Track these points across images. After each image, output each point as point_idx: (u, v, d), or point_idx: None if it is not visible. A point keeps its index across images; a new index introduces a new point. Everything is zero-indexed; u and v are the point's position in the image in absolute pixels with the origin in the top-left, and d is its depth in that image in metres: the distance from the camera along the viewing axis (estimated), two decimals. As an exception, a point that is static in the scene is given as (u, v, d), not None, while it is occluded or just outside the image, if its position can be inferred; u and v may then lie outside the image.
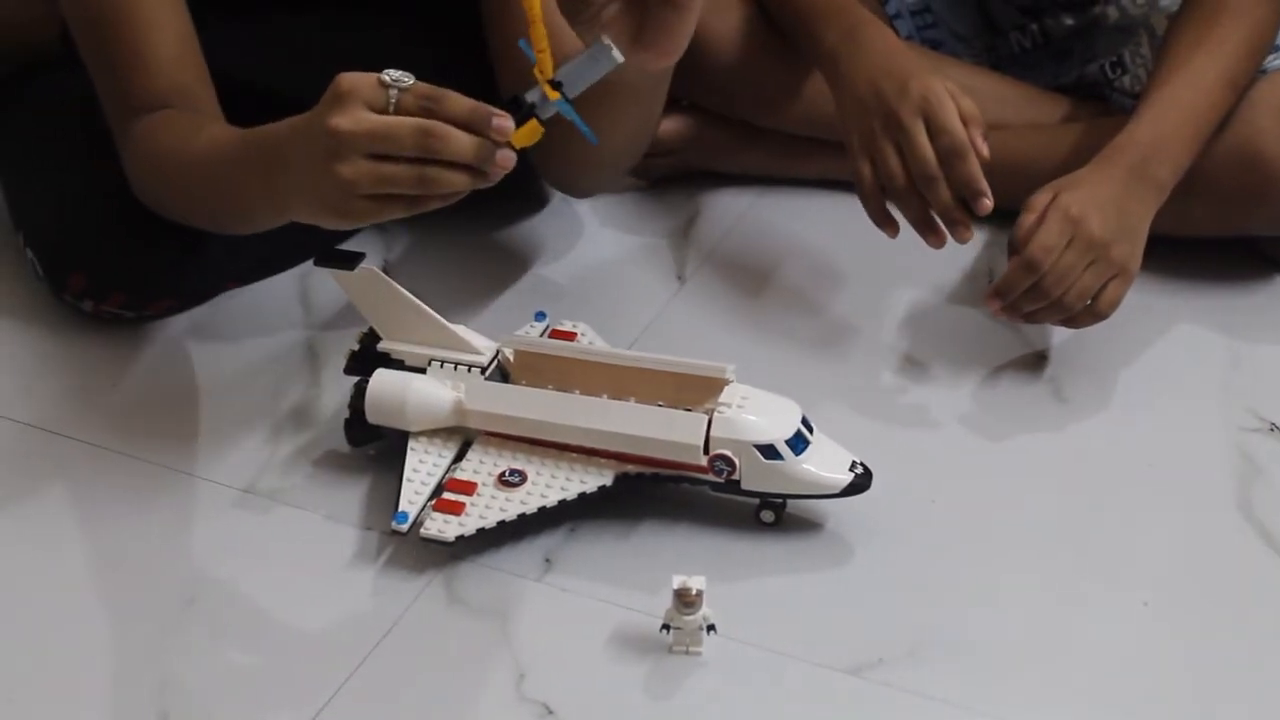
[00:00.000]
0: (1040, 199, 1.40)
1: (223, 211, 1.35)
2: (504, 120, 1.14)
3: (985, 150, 1.38)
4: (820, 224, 1.65)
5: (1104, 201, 1.39)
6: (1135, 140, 1.44)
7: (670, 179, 1.70)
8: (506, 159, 1.14)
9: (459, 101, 1.14)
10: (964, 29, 1.71)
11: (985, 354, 1.48)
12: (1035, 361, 1.47)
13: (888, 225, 1.44)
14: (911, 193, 1.39)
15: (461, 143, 1.13)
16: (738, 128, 1.68)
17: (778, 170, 1.70)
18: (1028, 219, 1.39)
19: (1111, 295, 1.40)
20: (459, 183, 1.14)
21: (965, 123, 1.38)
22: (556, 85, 1.17)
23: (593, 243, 1.64)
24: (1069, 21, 1.68)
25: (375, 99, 1.13)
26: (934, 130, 1.38)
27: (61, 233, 1.47)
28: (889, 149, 1.39)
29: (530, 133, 1.17)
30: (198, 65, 1.40)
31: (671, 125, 1.65)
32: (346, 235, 1.58)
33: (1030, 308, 1.40)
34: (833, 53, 1.47)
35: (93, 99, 1.39)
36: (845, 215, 1.63)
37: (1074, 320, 1.42)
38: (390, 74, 1.14)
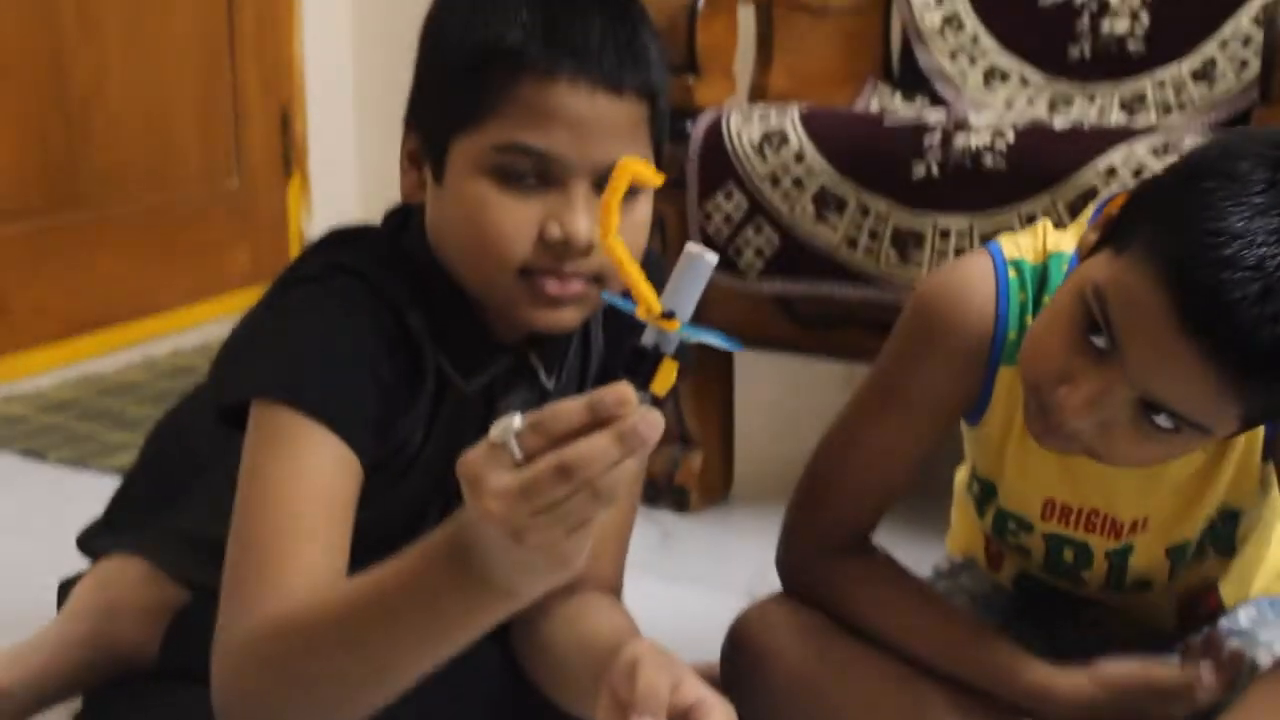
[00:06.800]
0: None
1: (418, 639, 1.20)
2: (620, 392, 1.06)
3: None
4: None
5: None
6: None
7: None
8: (650, 425, 1.05)
9: (570, 412, 1.06)
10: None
11: None
12: None
13: None
14: None
15: (604, 454, 1.04)
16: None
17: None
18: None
19: None
20: (627, 474, 1.06)
21: None
22: (669, 316, 1.09)
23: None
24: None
25: (502, 463, 1.07)
26: None
27: None
28: None
29: (667, 375, 1.10)
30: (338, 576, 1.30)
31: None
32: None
33: None
34: (1043, 688, 1.45)
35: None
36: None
37: None
38: (494, 432, 1.07)
